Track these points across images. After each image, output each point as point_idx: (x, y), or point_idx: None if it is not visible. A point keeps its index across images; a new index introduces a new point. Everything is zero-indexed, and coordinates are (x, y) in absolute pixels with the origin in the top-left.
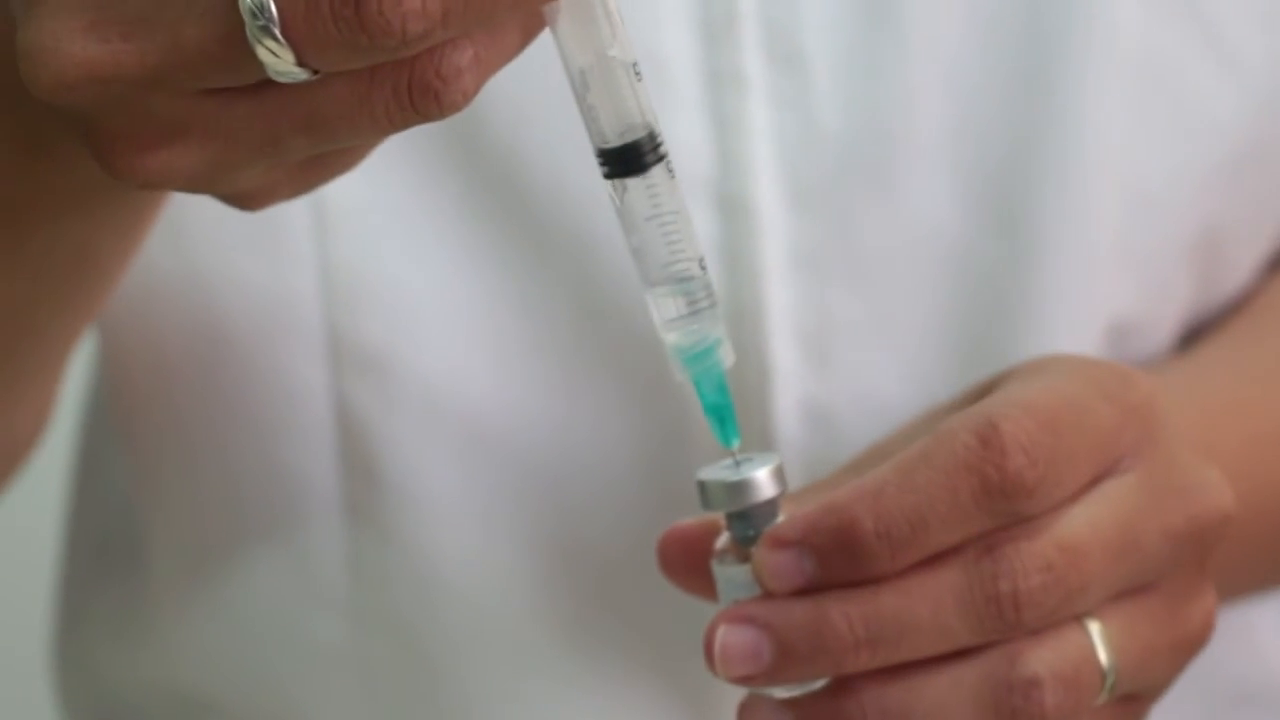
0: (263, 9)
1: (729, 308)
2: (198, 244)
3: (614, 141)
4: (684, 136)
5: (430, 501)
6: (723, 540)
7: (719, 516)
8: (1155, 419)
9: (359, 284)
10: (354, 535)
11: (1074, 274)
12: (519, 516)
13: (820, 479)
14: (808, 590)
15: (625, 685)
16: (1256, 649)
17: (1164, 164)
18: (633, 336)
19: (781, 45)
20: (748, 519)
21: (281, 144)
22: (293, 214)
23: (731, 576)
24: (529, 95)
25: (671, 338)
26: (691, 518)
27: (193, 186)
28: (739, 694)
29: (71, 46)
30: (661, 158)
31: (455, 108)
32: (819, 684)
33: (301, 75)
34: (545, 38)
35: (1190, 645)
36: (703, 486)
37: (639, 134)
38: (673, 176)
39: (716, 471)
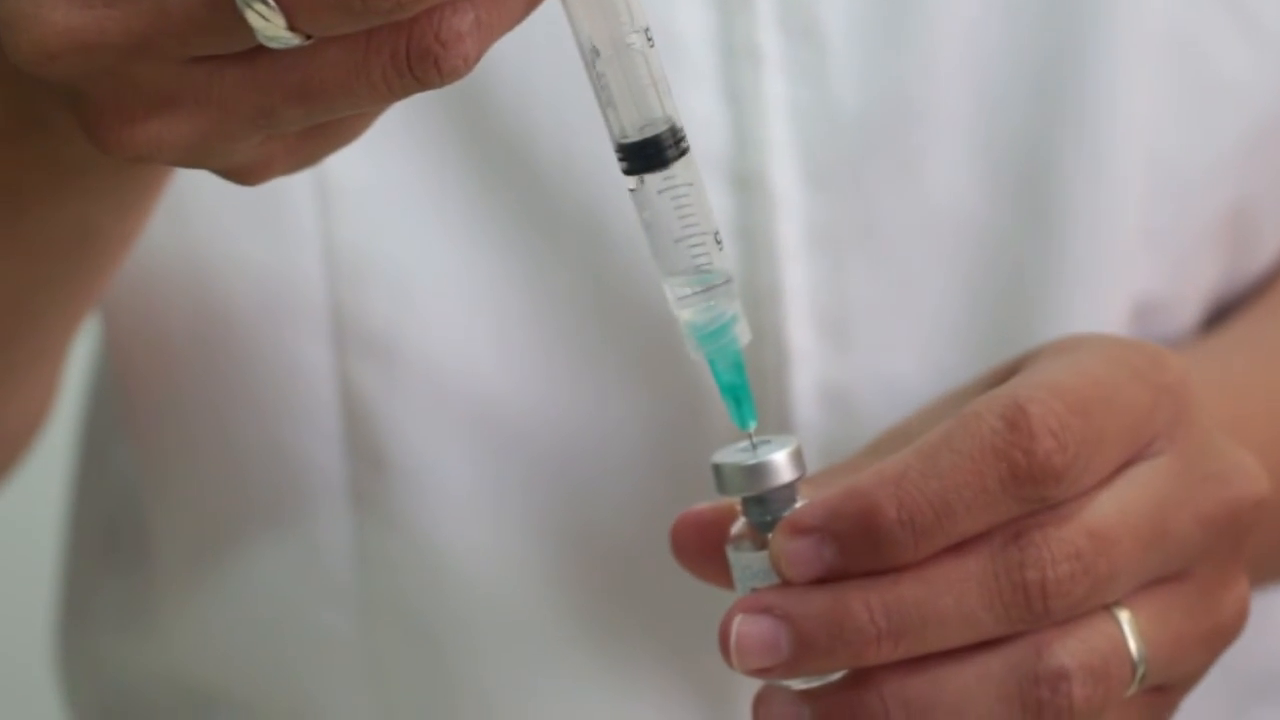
0: None
1: (745, 288)
2: (199, 224)
3: (633, 136)
4: (698, 112)
5: (437, 486)
6: (739, 526)
7: (735, 501)
8: (1188, 399)
9: (364, 263)
10: (360, 520)
11: (1098, 253)
12: (528, 501)
13: (839, 462)
14: (827, 579)
15: (637, 674)
16: None
17: (1190, 140)
18: (645, 315)
19: (797, 17)
20: (765, 504)
21: (275, 114)
22: (296, 193)
23: (748, 563)
24: (536, 69)
25: (686, 315)
26: (706, 502)
27: (185, 160)
28: (755, 684)
29: (54, 14)
30: (680, 143)
31: (456, 74)
32: (837, 675)
33: (294, 40)
34: (552, 8)
35: (1223, 635)
36: (718, 470)
37: (656, 119)
38: (687, 151)
39: (732, 454)
